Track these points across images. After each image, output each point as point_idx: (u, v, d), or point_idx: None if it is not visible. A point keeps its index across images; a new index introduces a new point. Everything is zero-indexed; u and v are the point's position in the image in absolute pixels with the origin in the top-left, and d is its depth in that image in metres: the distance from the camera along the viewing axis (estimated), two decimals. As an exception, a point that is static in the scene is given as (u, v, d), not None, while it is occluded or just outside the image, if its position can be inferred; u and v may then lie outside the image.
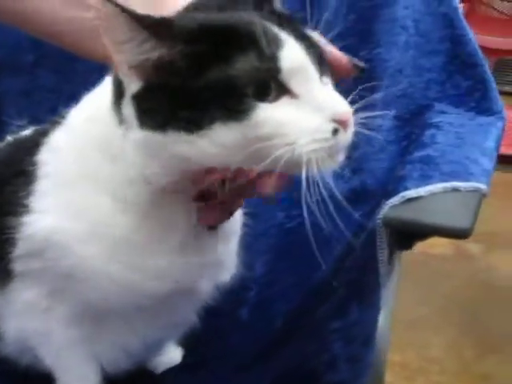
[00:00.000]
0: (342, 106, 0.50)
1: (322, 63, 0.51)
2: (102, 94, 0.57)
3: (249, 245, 0.91)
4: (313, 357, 0.76)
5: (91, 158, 0.56)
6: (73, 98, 1.02)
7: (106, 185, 0.56)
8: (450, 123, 0.77)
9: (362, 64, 0.55)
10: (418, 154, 0.70)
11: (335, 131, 0.48)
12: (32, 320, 0.62)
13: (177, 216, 0.56)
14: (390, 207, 0.62)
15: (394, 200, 0.62)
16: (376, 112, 0.87)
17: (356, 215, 0.87)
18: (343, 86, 0.90)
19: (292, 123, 0.47)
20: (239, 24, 0.48)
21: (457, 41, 0.89)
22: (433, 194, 0.63)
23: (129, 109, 0.50)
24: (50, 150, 0.59)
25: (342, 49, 0.92)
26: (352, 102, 0.93)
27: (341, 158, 0.51)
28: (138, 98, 0.49)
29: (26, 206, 0.58)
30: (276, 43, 0.47)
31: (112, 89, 0.53)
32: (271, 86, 0.47)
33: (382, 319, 0.67)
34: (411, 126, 0.87)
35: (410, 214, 0.61)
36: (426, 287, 1.59)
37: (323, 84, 0.50)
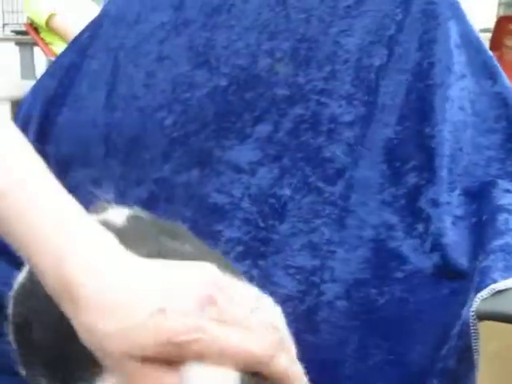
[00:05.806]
0: None
1: None
2: None
3: (341, 320, 0.94)
4: None
5: None
6: (140, 183, 1.08)
7: None
8: (519, 206, 0.82)
9: None
10: (497, 242, 0.74)
11: None
12: None
13: None
14: (481, 301, 0.66)
15: (485, 293, 0.67)
16: (442, 189, 0.92)
17: (445, 291, 0.89)
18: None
19: None
20: None
21: (513, 119, 0.94)
22: (520, 284, 0.67)
23: None
24: None
25: (405, 130, 0.97)
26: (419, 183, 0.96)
27: None
28: None
29: None
30: None
31: None
32: None
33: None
34: (478, 204, 0.91)
35: (501, 307, 0.66)
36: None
37: None
